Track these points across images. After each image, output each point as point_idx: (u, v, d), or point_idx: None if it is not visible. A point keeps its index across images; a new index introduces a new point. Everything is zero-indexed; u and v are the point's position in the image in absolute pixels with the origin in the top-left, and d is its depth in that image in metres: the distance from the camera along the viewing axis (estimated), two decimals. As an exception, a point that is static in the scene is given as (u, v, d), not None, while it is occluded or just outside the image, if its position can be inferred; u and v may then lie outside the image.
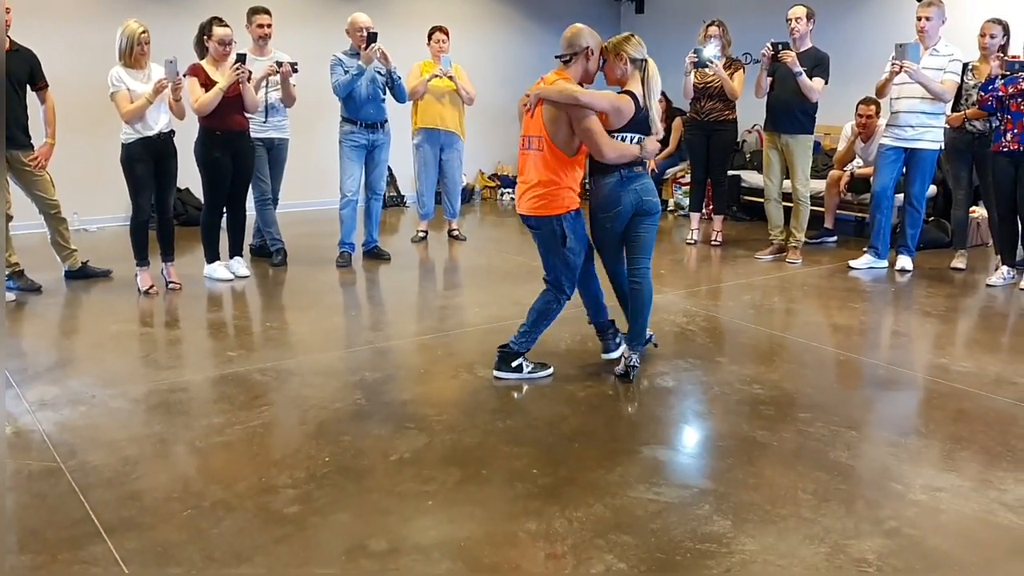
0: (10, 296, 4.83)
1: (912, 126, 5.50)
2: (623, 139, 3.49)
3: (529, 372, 3.66)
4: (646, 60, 3.56)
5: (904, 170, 5.68)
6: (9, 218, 4.82)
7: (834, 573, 2.22)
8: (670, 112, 8.34)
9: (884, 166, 5.68)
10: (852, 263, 5.86)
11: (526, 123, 3.55)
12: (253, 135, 5.45)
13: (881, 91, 5.63)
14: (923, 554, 2.32)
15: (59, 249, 5.28)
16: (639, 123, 3.51)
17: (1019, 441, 3.05)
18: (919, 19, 5.44)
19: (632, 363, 3.65)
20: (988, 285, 5.39)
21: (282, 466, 2.81)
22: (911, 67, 5.24)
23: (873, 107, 6.42)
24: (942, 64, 5.40)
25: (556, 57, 3.56)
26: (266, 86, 5.54)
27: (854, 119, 6.59)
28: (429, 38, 6.44)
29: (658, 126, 3.61)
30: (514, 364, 3.66)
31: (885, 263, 5.82)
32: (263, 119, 5.62)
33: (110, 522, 2.44)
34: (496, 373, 3.68)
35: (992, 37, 5.39)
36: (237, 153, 5.22)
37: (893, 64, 5.34)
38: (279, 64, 5.42)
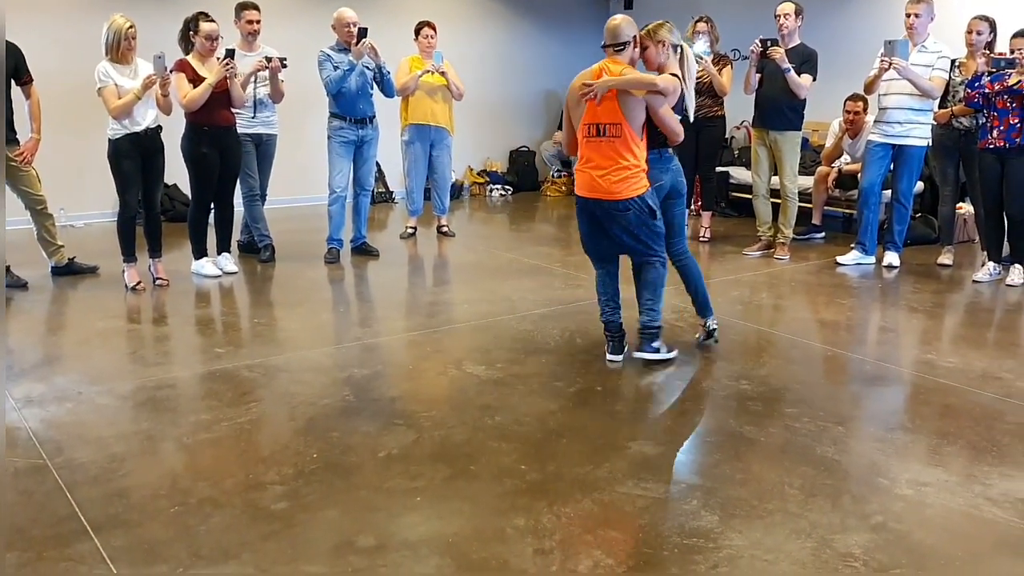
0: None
1: (900, 122, 5.52)
2: None
3: (667, 353, 3.79)
4: (681, 45, 3.71)
5: (892, 166, 5.71)
6: None
7: (820, 568, 2.23)
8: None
9: (872, 162, 5.70)
10: (840, 259, 5.88)
11: (591, 111, 3.58)
12: (241, 130, 5.43)
13: (869, 87, 5.65)
14: (909, 548, 2.33)
15: (45, 245, 5.24)
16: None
17: (1004, 436, 3.07)
18: (908, 16, 5.45)
19: (710, 327, 4.03)
20: (974, 281, 5.41)
21: (270, 463, 2.81)
22: (900, 63, 5.26)
23: (861, 103, 6.43)
24: (931, 61, 5.42)
25: (604, 47, 3.63)
26: (255, 81, 5.52)
27: (842, 115, 6.61)
28: (417, 34, 6.41)
29: (691, 107, 3.80)
30: (655, 344, 3.74)
31: (872, 259, 5.84)
32: (251, 114, 5.61)
33: (97, 519, 2.43)
34: (645, 356, 3.74)
35: (979, 34, 5.40)
36: (224, 148, 5.20)
37: (882, 60, 5.36)
38: (268, 59, 5.40)
